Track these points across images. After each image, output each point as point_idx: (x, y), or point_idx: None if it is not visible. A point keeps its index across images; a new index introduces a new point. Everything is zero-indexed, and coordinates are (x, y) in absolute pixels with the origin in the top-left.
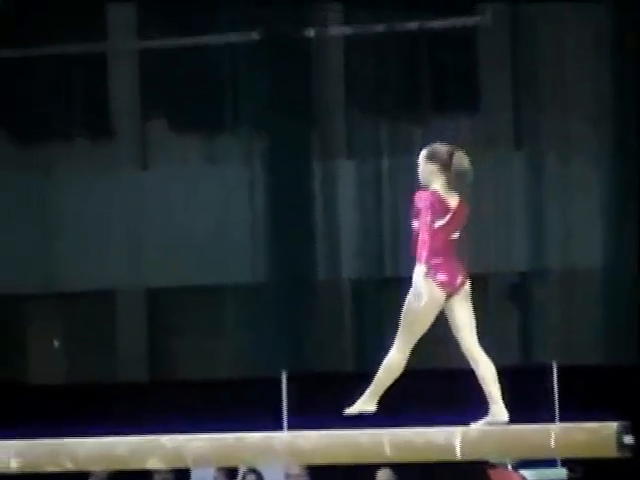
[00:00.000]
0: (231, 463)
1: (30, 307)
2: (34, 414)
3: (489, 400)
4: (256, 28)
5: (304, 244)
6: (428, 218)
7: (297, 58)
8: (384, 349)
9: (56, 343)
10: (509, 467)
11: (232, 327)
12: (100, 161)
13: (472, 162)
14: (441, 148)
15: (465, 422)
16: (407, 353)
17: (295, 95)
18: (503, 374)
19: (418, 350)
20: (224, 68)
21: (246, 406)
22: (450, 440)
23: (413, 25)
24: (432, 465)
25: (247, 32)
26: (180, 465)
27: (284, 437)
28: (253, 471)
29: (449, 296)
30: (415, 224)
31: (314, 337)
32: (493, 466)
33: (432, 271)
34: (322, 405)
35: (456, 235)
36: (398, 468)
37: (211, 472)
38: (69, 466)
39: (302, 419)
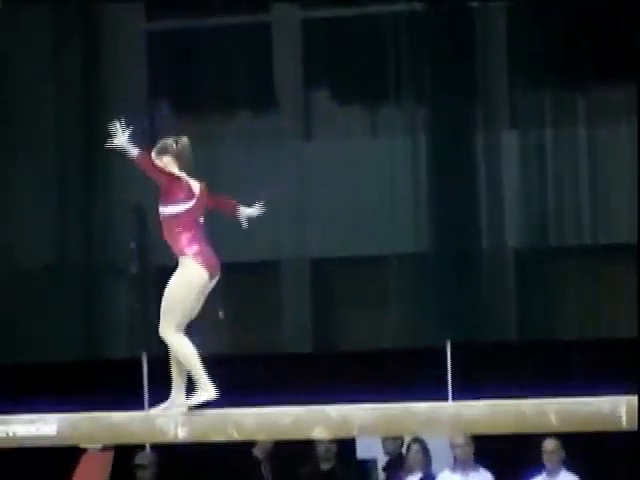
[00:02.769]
0: (396, 433)
1: None
2: None
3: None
4: None
5: (468, 214)
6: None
7: (460, 27)
8: (547, 318)
9: (221, 313)
10: None
11: (396, 297)
12: (263, 132)
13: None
14: (167, 141)
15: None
16: (183, 335)
17: (458, 65)
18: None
19: None
20: (387, 38)
21: (411, 376)
22: (616, 409)
23: None
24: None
25: (410, 1)
26: (345, 435)
27: (449, 407)
28: (418, 440)
29: (210, 278)
30: (163, 209)
31: (478, 306)
32: None
33: (193, 253)
34: (487, 375)
35: (202, 219)
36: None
37: (376, 442)
38: (235, 436)
39: (467, 389)
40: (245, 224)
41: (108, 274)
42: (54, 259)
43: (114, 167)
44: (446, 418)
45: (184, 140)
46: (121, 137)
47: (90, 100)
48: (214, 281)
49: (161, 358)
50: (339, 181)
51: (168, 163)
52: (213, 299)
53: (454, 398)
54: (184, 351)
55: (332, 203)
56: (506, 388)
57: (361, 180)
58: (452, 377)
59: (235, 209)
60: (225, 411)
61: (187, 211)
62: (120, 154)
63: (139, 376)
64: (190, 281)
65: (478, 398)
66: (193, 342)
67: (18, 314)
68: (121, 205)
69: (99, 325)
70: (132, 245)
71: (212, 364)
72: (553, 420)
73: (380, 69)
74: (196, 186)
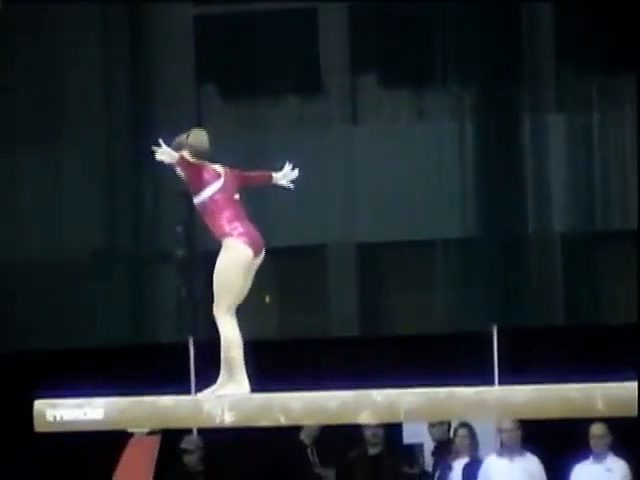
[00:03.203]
0: (443, 417)
1: None
2: (247, 369)
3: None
4: None
5: (514, 198)
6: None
7: (507, 12)
8: (595, 302)
9: (267, 298)
10: None
11: (443, 282)
12: (310, 117)
13: None
14: (180, 137)
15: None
16: (235, 320)
17: (505, 49)
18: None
19: None
20: (434, 23)
21: (457, 361)
22: None
23: None
24: None
25: None
26: (392, 419)
27: (495, 391)
28: (465, 425)
29: (255, 256)
30: (197, 198)
31: (525, 291)
32: None
33: (236, 233)
34: (533, 359)
35: (237, 196)
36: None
37: (423, 427)
38: (282, 420)
39: (513, 373)
40: (291, 186)
41: (155, 258)
42: (102, 244)
43: None
44: (492, 403)
45: (195, 132)
46: (166, 153)
47: (138, 85)
48: (259, 259)
49: (208, 342)
50: (386, 166)
51: (187, 156)
52: (260, 283)
53: (501, 383)
54: (229, 338)
55: (379, 188)
56: (553, 373)
57: (408, 164)
58: (499, 362)
59: (269, 178)
60: (272, 395)
61: (219, 190)
62: (168, 138)
63: (186, 360)
64: (235, 262)
65: (524, 383)
66: (240, 327)
67: (67, 299)
68: (168, 190)
69: (146, 309)
70: (179, 229)
71: (259, 348)
72: (600, 405)
73: (427, 53)
74: (219, 168)
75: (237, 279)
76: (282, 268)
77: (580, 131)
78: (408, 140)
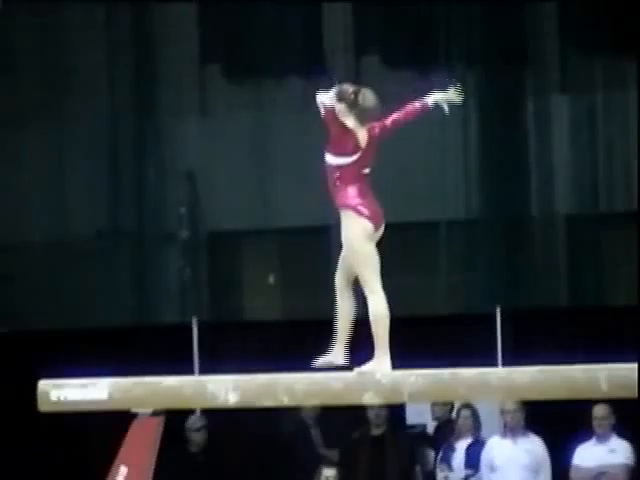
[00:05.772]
0: (446, 398)
1: (248, 243)
2: (251, 349)
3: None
4: None
5: (518, 180)
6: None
7: None
8: (598, 283)
9: (271, 279)
10: None
11: (447, 263)
12: (314, 98)
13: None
14: (347, 88)
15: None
16: (384, 295)
17: (508, 30)
18: None
19: None
20: (437, 3)
21: (460, 342)
22: None
23: None
24: None
25: None
26: (396, 400)
27: (499, 372)
28: (468, 406)
29: (374, 230)
30: (328, 157)
31: (529, 273)
32: None
33: (355, 204)
34: (536, 341)
35: (367, 170)
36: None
37: (426, 407)
38: (285, 401)
39: (516, 355)
40: (447, 108)
41: (159, 240)
42: (106, 225)
43: (165, 133)
44: (496, 384)
45: (365, 91)
46: (324, 97)
47: (142, 66)
48: (379, 233)
49: (211, 323)
50: (390, 147)
51: (341, 111)
52: (268, 265)
53: (504, 365)
54: (377, 313)
55: (382, 169)
56: (556, 354)
57: (411, 146)
58: (502, 344)
59: (424, 107)
60: (276, 376)
61: (350, 165)
62: (172, 120)
63: (190, 341)
64: (360, 234)
65: (528, 364)
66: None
67: (71, 280)
68: (172, 171)
69: (150, 290)
70: (182, 211)
71: (263, 329)
72: (603, 386)
73: (431, 35)
74: (364, 138)
75: (370, 250)
76: (286, 249)
77: (584, 113)
78: (412, 121)
